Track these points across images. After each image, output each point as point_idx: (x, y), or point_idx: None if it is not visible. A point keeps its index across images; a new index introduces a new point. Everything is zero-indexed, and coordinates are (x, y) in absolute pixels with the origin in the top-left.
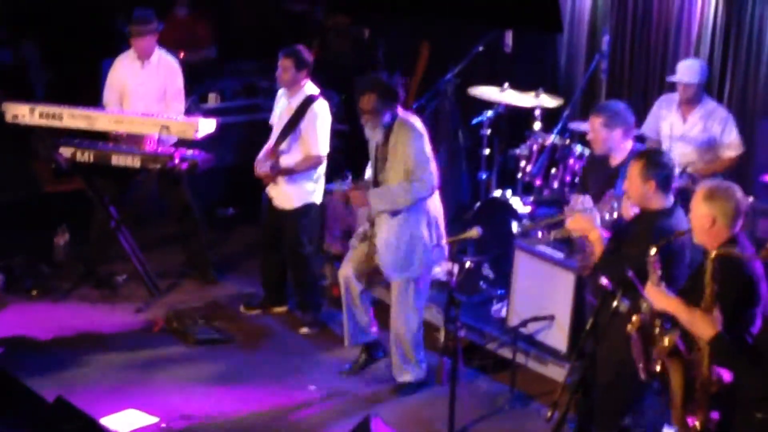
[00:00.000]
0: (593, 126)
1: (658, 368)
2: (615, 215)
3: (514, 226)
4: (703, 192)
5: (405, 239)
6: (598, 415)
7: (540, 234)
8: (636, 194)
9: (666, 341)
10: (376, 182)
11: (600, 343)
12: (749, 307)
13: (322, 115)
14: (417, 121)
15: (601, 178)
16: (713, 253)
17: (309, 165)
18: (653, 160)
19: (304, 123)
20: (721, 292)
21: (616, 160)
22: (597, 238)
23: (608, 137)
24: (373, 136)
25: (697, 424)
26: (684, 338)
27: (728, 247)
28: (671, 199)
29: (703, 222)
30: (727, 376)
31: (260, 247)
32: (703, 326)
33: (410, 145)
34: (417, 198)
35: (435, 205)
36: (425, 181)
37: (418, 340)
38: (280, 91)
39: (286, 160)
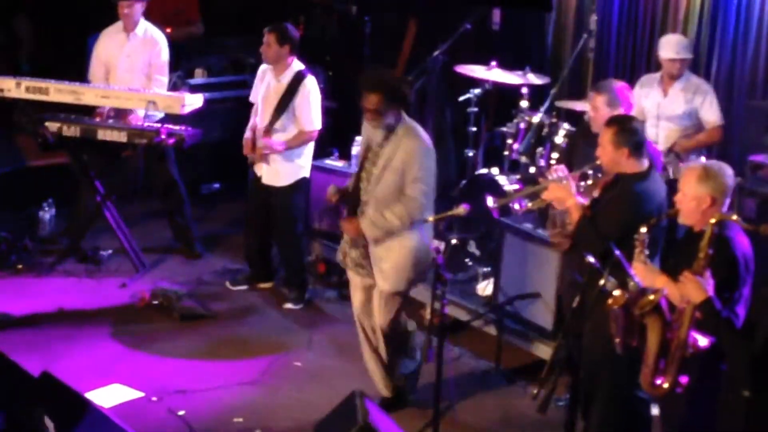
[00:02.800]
0: (595, 104)
1: (634, 343)
2: (590, 182)
3: (490, 201)
4: (697, 172)
5: (413, 255)
6: (591, 393)
7: (517, 206)
8: (609, 161)
9: (651, 297)
10: (357, 186)
11: (587, 321)
12: (736, 288)
13: (313, 90)
14: (422, 132)
15: (588, 153)
16: (713, 219)
17: (302, 141)
18: (625, 126)
19: (297, 100)
20: (714, 259)
21: None
22: (573, 205)
23: (609, 116)
24: (372, 135)
25: (665, 384)
26: (668, 300)
27: (709, 235)
28: (646, 162)
29: (699, 203)
30: (702, 342)
31: (244, 224)
32: (694, 289)
33: (415, 160)
34: (413, 221)
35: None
36: (421, 204)
37: None
38: (262, 68)
39: (280, 138)
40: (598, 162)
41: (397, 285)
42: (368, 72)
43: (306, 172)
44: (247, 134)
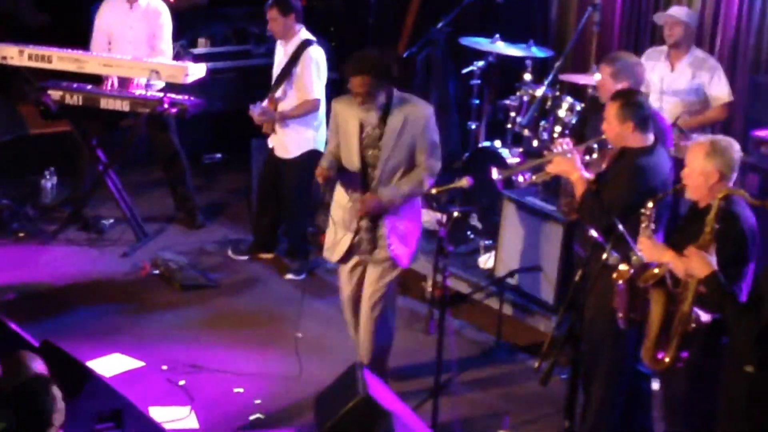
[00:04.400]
0: (602, 74)
1: (637, 318)
2: (595, 156)
3: (494, 172)
4: (704, 148)
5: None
6: (592, 368)
7: (522, 179)
8: (614, 135)
9: (656, 270)
10: (364, 167)
11: (589, 295)
12: (743, 264)
13: (316, 59)
14: (418, 98)
15: (599, 128)
16: (720, 195)
17: (305, 110)
18: (630, 100)
19: (299, 68)
20: (717, 247)
21: None
22: (578, 178)
23: (613, 89)
24: (367, 118)
25: (667, 359)
26: (672, 274)
27: (716, 211)
28: (651, 137)
29: (707, 178)
30: (705, 317)
31: (256, 195)
32: (699, 264)
33: (426, 125)
34: (426, 189)
35: None
36: (434, 170)
37: None
38: (279, 42)
39: (283, 107)
40: (603, 136)
41: (402, 258)
42: (351, 57)
43: (317, 145)
44: (264, 104)
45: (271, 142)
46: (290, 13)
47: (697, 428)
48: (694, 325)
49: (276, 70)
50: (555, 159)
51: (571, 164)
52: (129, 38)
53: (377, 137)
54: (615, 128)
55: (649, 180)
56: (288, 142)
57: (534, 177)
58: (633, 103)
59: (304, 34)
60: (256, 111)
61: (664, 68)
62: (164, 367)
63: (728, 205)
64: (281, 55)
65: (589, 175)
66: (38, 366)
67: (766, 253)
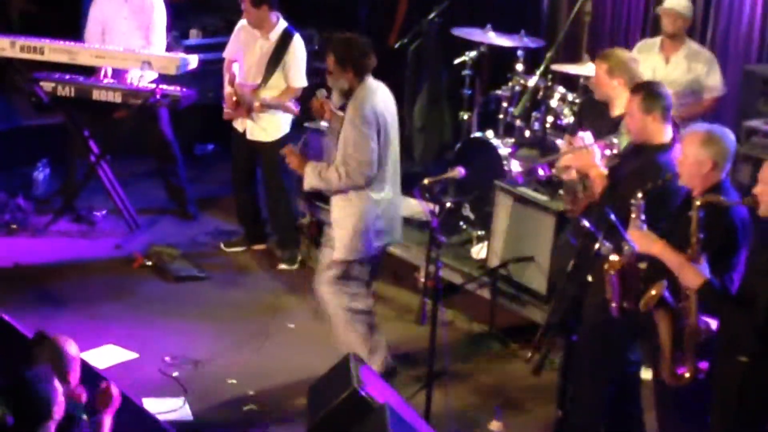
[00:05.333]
0: (597, 71)
1: (630, 306)
2: (614, 151)
3: (515, 165)
4: (700, 136)
5: (351, 219)
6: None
7: (541, 171)
8: (637, 128)
9: (653, 291)
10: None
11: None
12: (733, 254)
13: (301, 48)
14: (369, 100)
15: (601, 126)
16: (698, 202)
17: (290, 97)
18: (652, 91)
19: (288, 57)
20: (707, 238)
21: (617, 110)
22: (598, 174)
23: (609, 85)
24: (336, 101)
25: (687, 373)
26: (671, 287)
27: (712, 195)
28: (670, 133)
29: (701, 167)
30: (714, 325)
31: (233, 184)
32: (691, 276)
33: (348, 125)
34: (350, 187)
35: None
36: (352, 174)
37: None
38: (239, 24)
39: (271, 94)
40: (622, 130)
41: (342, 251)
42: (334, 34)
43: (289, 128)
44: (228, 90)
45: (241, 126)
46: (262, 5)
47: (689, 418)
48: (704, 335)
49: (256, 58)
50: (575, 153)
51: (590, 160)
52: (123, 29)
53: (340, 119)
54: (639, 121)
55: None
56: (268, 126)
57: (554, 170)
58: (656, 93)
59: (283, 23)
60: (247, 102)
61: (658, 60)
62: (167, 359)
63: (719, 195)
64: (256, 41)
65: (605, 171)
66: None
67: (757, 243)
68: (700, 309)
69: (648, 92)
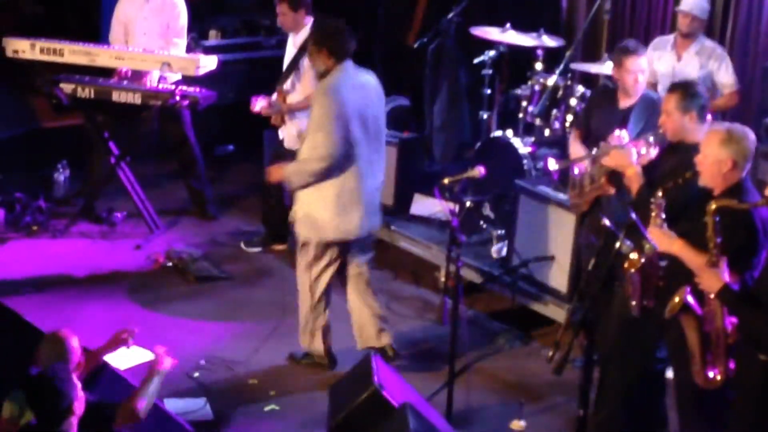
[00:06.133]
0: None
1: (650, 305)
2: (652, 150)
3: (551, 163)
4: (719, 135)
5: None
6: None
7: (576, 170)
8: (674, 127)
9: (676, 299)
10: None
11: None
12: (754, 254)
13: None
14: (337, 84)
15: (610, 119)
16: (712, 206)
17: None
18: (689, 90)
19: (306, 60)
20: (726, 239)
21: (626, 102)
22: (634, 174)
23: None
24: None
25: (719, 376)
26: (694, 291)
27: (725, 199)
28: (707, 128)
29: (720, 166)
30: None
31: (263, 186)
32: (710, 280)
33: (313, 108)
34: (316, 174)
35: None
36: (319, 156)
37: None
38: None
39: (291, 99)
40: (661, 130)
41: (304, 232)
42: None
43: None
44: (273, 97)
45: (282, 133)
46: (300, 9)
47: (709, 415)
48: (733, 337)
49: (286, 62)
50: (612, 152)
51: (626, 159)
52: (144, 29)
53: None
54: (677, 120)
55: None
56: (297, 133)
57: (589, 169)
58: (693, 92)
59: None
60: (257, 104)
61: (671, 58)
62: (202, 362)
63: (740, 197)
64: (290, 47)
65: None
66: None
67: None
68: (724, 311)
69: (685, 91)
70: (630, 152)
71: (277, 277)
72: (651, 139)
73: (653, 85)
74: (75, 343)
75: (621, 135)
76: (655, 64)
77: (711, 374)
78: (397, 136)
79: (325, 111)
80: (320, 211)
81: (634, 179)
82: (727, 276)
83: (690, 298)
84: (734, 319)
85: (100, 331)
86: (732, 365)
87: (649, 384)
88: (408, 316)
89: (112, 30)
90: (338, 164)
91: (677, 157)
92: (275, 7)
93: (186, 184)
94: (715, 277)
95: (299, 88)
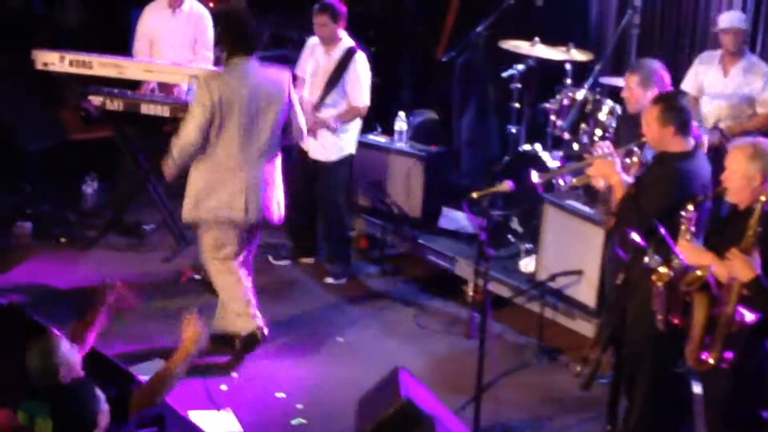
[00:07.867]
0: (628, 84)
1: (676, 321)
2: (635, 159)
3: (534, 176)
4: (746, 151)
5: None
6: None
7: (561, 182)
8: (654, 138)
9: (698, 273)
10: None
11: (632, 298)
12: None
13: (364, 66)
14: (220, 77)
15: (633, 136)
16: (765, 196)
17: (352, 116)
18: (670, 103)
19: (349, 75)
20: (764, 233)
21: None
22: (618, 182)
23: (643, 96)
24: None
25: (711, 360)
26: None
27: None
28: (691, 141)
29: (750, 181)
30: (749, 317)
31: (290, 198)
32: (742, 268)
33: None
34: (181, 158)
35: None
36: (183, 140)
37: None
38: (311, 42)
39: (331, 113)
40: (643, 139)
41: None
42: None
43: (352, 148)
44: (321, 114)
45: (305, 145)
46: (340, 20)
47: (738, 430)
48: (736, 327)
49: (316, 75)
50: (595, 162)
51: (610, 168)
52: (171, 43)
53: None
54: (656, 132)
55: (688, 185)
56: (328, 146)
57: (574, 180)
58: (674, 106)
59: (347, 40)
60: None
61: (717, 73)
62: (235, 375)
63: None
64: (322, 58)
65: (628, 179)
66: (65, 346)
67: None
68: (743, 301)
69: (667, 105)
70: (614, 162)
71: (305, 291)
72: (635, 148)
73: (696, 100)
74: (65, 346)
75: (605, 144)
76: (701, 78)
77: (704, 357)
78: (425, 150)
79: (195, 99)
80: (188, 192)
81: (618, 187)
82: (759, 268)
83: (711, 277)
84: (745, 312)
85: (128, 343)
86: (727, 355)
87: (677, 401)
88: (435, 330)
89: (136, 43)
90: (195, 150)
91: (662, 167)
92: (304, 17)
93: None
94: (748, 265)
95: (339, 101)
